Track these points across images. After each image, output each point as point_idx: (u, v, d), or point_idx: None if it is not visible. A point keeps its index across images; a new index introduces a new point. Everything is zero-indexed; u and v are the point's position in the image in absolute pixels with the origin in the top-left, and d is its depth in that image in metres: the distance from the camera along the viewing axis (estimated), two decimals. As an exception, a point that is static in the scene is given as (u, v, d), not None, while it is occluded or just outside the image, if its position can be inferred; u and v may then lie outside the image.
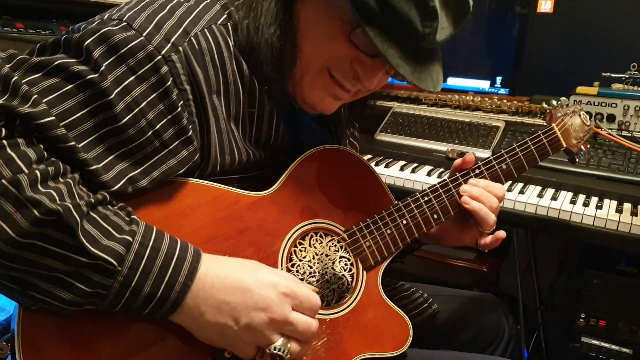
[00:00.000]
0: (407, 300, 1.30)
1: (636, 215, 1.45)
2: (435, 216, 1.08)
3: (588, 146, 1.29)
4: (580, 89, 1.83)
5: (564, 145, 1.20)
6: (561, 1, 2.00)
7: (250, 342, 0.81)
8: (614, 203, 1.54)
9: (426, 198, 1.08)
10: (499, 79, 2.13)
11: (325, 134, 1.13)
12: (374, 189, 1.08)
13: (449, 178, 1.11)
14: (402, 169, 1.79)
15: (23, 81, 0.73)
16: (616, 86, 1.83)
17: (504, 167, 1.13)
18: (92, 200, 0.74)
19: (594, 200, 1.57)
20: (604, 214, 1.48)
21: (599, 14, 1.95)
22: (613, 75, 1.83)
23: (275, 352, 0.80)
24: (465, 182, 1.10)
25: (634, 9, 1.92)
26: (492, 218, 1.07)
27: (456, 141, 1.89)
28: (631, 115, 1.76)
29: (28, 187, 0.67)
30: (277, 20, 0.89)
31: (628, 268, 1.68)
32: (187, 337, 0.81)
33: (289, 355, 0.81)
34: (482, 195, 1.08)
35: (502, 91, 2.13)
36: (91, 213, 0.73)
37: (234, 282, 0.80)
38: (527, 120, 1.96)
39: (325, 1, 0.88)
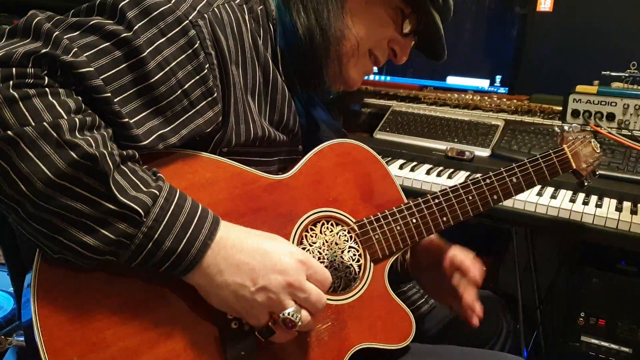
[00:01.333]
0: (403, 297, 1.30)
1: (636, 213, 1.45)
2: (444, 219, 1.09)
3: (597, 174, 1.32)
4: (579, 88, 1.83)
5: (574, 167, 1.23)
6: (561, 0, 1.99)
7: (264, 306, 0.82)
8: (614, 202, 1.54)
9: (436, 201, 1.09)
10: (498, 78, 2.13)
11: (333, 118, 1.20)
12: (386, 186, 1.11)
13: (459, 184, 1.12)
14: (401, 167, 1.79)
15: (64, 36, 0.76)
16: (616, 85, 1.83)
17: (515, 180, 1.14)
18: (125, 154, 0.77)
19: (594, 198, 1.56)
20: (604, 212, 1.47)
21: (599, 12, 1.95)
22: (613, 73, 1.83)
23: (288, 316, 0.82)
24: (476, 189, 1.11)
25: (634, 7, 1.92)
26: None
27: (455, 140, 1.88)
28: (631, 114, 1.75)
29: (68, 131, 0.71)
30: (337, 10, 1.00)
31: (628, 267, 1.68)
32: (195, 306, 0.84)
33: (300, 323, 0.83)
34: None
35: (502, 90, 2.12)
36: (122, 165, 0.76)
37: (253, 245, 0.83)
38: (526, 119, 1.96)
39: None
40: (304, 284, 0.84)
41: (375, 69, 2.23)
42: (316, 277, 0.86)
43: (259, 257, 0.83)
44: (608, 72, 1.83)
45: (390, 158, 1.86)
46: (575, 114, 1.81)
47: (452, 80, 2.20)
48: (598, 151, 1.29)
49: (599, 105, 1.79)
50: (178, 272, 0.80)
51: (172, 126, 0.84)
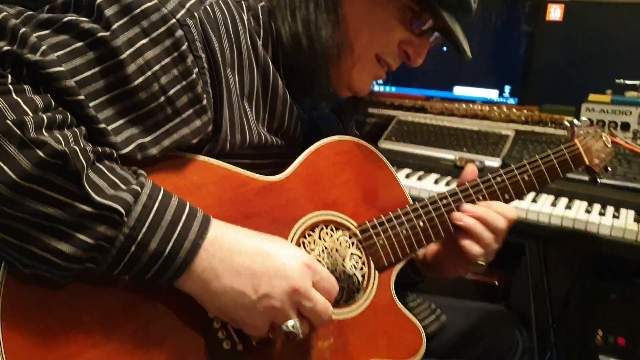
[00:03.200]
0: (414, 312, 1.21)
1: (656, 225, 1.38)
2: None
3: (610, 169, 1.25)
4: (592, 97, 1.78)
5: (587, 162, 1.16)
6: (571, 9, 1.94)
7: (265, 315, 0.75)
8: (632, 213, 1.47)
9: (445, 201, 1.00)
10: (507, 88, 2.07)
11: (339, 125, 1.09)
12: (390, 187, 1.02)
13: (469, 183, 1.03)
14: (407, 176, 1.72)
15: (32, 34, 0.68)
16: (630, 94, 1.77)
17: (526, 177, 1.05)
18: (100, 150, 0.68)
19: (610, 209, 1.49)
20: (622, 223, 1.41)
21: (610, 21, 1.89)
22: (627, 82, 1.77)
23: (292, 330, 0.74)
24: (487, 188, 1.02)
25: (647, 15, 1.86)
26: (487, 236, 0.96)
27: (464, 149, 1.82)
28: (647, 123, 1.69)
29: (33, 128, 0.62)
30: (330, 10, 0.89)
31: (647, 281, 1.60)
32: (183, 324, 0.76)
33: (302, 336, 0.75)
34: (484, 214, 0.97)
35: (511, 100, 2.06)
36: (97, 163, 0.68)
37: (254, 246, 0.75)
38: (537, 129, 1.89)
39: None
40: (309, 292, 0.76)
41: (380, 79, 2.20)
42: (323, 284, 0.78)
43: (260, 260, 0.74)
44: (622, 81, 1.77)
45: (396, 167, 1.79)
46: (590, 122, 1.74)
47: (460, 91, 2.14)
48: (610, 145, 1.23)
49: (613, 114, 1.73)
50: (167, 278, 0.71)
51: (152, 136, 0.75)
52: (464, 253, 0.97)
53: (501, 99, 2.07)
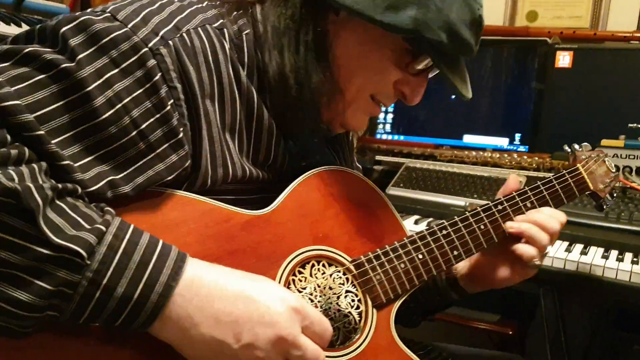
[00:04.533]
0: None
1: (677, 270, 1.31)
2: (455, 253, 0.96)
3: (615, 195, 1.22)
4: (605, 142, 1.74)
5: (591, 188, 1.13)
6: (579, 55, 1.94)
7: None
8: (651, 259, 1.40)
9: (444, 232, 0.96)
10: (517, 136, 2.04)
11: (334, 158, 1.04)
12: (385, 219, 0.97)
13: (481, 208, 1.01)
14: (416, 222, 1.67)
15: None
16: (644, 138, 1.73)
17: (529, 205, 1.04)
18: (60, 187, 0.63)
19: (629, 256, 1.42)
20: (641, 269, 1.34)
21: (619, 66, 1.88)
22: (640, 126, 1.74)
23: None
24: (488, 217, 1.00)
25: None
26: (543, 236, 0.98)
27: (474, 195, 1.77)
28: (662, 168, 1.65)
29: None
30: (321, 62, 0.86)
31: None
32: None
33: None
34: (538, 217, 1.00)
35: (522, 148, 2.03)
36: (57, 201, 0.63)
37: (235, 290, 0.70)
38: (549, 176, 1.85)
39: (369, 35, 0.86)
40: (298, 339, 0.70)
41: (388, 128, 2.18)
42: (314, 328, 0.72)
43: (243, 305, 0.69)
44: (635, 125, 1.74)
45: (404, 214, 1.75)
46: (602, 169, 1.70)
47: (469, 139, 2.12)
48: (614, 171, 1.19)
49: (627, 159, 1.69)
50: (138, 325, 0.65)
51: (125, 173, 0.71)
52: (515, 258, 1.00)
53: (511, 147, 2.05)
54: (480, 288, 1.11)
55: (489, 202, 1.02)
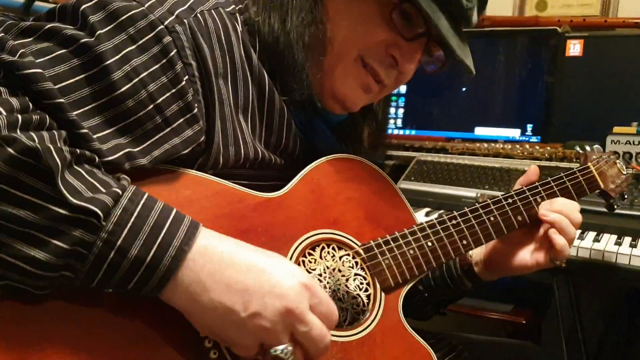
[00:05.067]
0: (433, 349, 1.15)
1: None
2: (464, 242, 0.97)
3: (626, 197, 1.23)
4: (617, 129, 1.72)
5: (601, 187, 1.14)
6: (590, 43, 1.92)
7: (255, 336, 0.69)
8: (665, 244, 1.38)
9: (454, 221, 0.97)
10: (529, 127, 2.03)
11: (342, 146, 1.04)
12: (394, 206, 0.98)
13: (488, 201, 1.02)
14: (427, 214, 1.67)
15: (13, 41, 0.67)
16: (657, 124, 1.71)
17: (539, 200, 1.05)
18: (79, 152, 0.65)
19: (643, 242, 1.41)
20: (655, 254, 1.32)
21: (630, 53, 1.86)
22: (653, 112, 1.72)
23: (280, 354, 0.68)
24: (498, 209, 1.00)
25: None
26: (572, 229, 1.01)
27: (486, 186, 1.76)
28: (676, 154, 1.63)
29: (5, 127, 0.59)
30: (307, 8, 0.86)
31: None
32: (172, 338, 0.71)
33: None
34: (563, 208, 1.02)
35: (534, 139, 2.02)
36: (75, 166, 0.64)
37: (247, 260, 0.70)
38: (562, 165, 1.83)
39: None
40: (305, 315, 0.70)
41: (399, 123, 2.18)
42: (321, 308, 0.73)
43: (254, 275, 0.69)
44: (647, 111, 1.72)
45: (415, 206, 1.74)
46: (614, 155, 1.68)
47: (481, 131, 2.11)
48: (625, 172, 1.20)
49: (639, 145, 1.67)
50: (151, 288, 0.66)
51: (142, 146, 0.73)
52: (535, 247, 1.03)
53: (523, 138, 2.03)
54: (495, 275, 1.11)
55: (499, 195, 1.02)
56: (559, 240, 0.99)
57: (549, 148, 1.90)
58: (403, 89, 2.23)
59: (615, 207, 1.20)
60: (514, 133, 2.05)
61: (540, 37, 2.03)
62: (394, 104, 2.22)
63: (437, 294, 1.17)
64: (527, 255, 1.05)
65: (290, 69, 0.86)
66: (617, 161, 1.21)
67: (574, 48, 1.94)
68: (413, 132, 2.21)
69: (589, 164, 1.14)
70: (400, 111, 2.23)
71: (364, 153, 1.09)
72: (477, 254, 1.12)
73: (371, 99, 0.97)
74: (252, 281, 0.69)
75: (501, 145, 1.97)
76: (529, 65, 2.04)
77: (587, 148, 1.20)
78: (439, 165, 1.93)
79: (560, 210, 1.01)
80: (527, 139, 2.03)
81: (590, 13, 2.09)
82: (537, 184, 1.06)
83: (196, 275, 0.67)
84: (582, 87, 1.93)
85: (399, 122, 2.23)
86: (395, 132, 2.22)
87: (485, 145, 1.99)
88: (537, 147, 1.92)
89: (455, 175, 1.85)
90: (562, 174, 1.09)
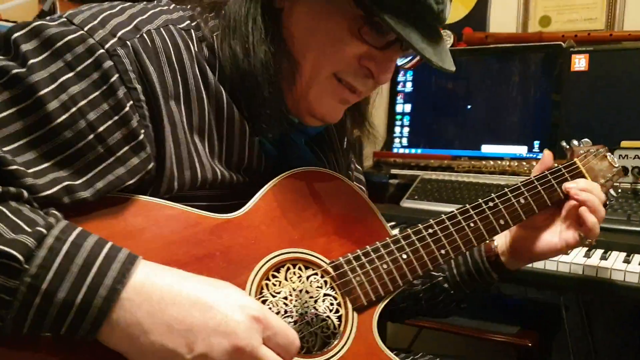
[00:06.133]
0: None
1: None
2: (442, 251, 0.92)
3: (620, 190, 1.18)
4: (625, 144, 1.68)
5: None
6: (596, 58, 1.88)
7: None
8: (676, 261, 1.33)
9: (430, 230, 0.92)
10: (536, 143, 1.99)
11: (316, 158, 0.99)
12: (367, 220, 0.93)
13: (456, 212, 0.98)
14: (430, 234, 1.63)
15: None
16: (666, 138, 1.67)
17: (523, 201, 1.01)
18: (1, 190, 0.62)
19: (653, 259, 1.36)
20: (665, 271, 1.27)
21: (636, 66, 1.82)
22: (662, 126, 1.67)
23: None
24: (478, 214, 0.97)
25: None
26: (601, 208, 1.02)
27: (490, 204, 1.72)
28: (687, 168, 1.58)
29: None
30: (268, 36, 0.82)
31: None
32: None
33: None
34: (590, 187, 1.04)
35: (541, 156, 1.97)
36: None
37: (191, 295, 0.65)
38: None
39: (320, 4, 0.81)
40: (258, 351, 0.66)
41: (404, 142, 2.16)
42: (277, 340, 0.68)
43: (197, 313, 0.64)
44: (656, 124, 1.68)
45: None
46: (623, 171, 1.64)
47: (488, 149, 2.07)
48: (616, 165, 1.15)
49: (649, 159, 1.62)
50: (85, 332, 0.61)
51: (84, 178, 0.69)
52: (562, 228, 1.04)
53: (530, 155, 1.99)
54: (522, 263, 1.11)
55: (479, 200, 0.99)
56: (591, 218, 1.00)
57: (556, 165, 1.86)
58: (408, 107, 2.20)
59: (607, 204, 1.13)
60: (521, 150, 2.01)
61: (545, 53, 2.00)
62: (399, 122, 2.20)
63: (462, 289, 1.13)
64: (555, 237, 1.05)
65: (255, 97, 0.83)
66: (608, 154, 1.17)
67: (579, 63, 1.91)
68: (419, 150, 2.18)
69: (575, 159, 1.10)
70: (406, 130, 2.21)
71: (345, 160, 1.07)
72: (501, 243, 1.10)
73: (350, 104, 0.92)
74: (196, 319, 0.64)
75: (507, 163, 1.94)
76: (534, 82, 2.01)
77: (575, 142, 1.16)
78: (444, 183, 1.90)
79: (590, 190, 1.02)
80: (534, 155, 1.99)
81: (595, 27, 2.06)
82: (519, 184, 1.03)
83: (133, 316, 0.63)
84: (588, 102, 1.89)
85: (405, 141, 2.20)
86: (401, 151, 2.20)
87: (492, 162, 1.96)
88: (545, 164, 1.88)
89: (460, 194, 1.82)
90: (546, 172, 1.06)
